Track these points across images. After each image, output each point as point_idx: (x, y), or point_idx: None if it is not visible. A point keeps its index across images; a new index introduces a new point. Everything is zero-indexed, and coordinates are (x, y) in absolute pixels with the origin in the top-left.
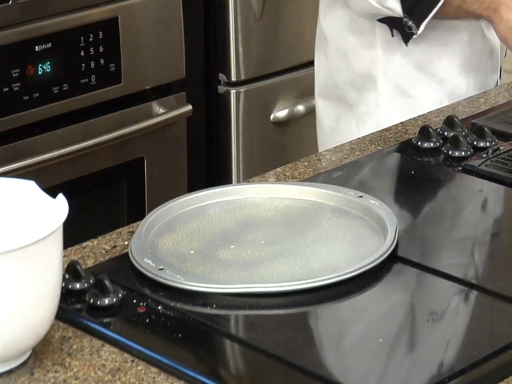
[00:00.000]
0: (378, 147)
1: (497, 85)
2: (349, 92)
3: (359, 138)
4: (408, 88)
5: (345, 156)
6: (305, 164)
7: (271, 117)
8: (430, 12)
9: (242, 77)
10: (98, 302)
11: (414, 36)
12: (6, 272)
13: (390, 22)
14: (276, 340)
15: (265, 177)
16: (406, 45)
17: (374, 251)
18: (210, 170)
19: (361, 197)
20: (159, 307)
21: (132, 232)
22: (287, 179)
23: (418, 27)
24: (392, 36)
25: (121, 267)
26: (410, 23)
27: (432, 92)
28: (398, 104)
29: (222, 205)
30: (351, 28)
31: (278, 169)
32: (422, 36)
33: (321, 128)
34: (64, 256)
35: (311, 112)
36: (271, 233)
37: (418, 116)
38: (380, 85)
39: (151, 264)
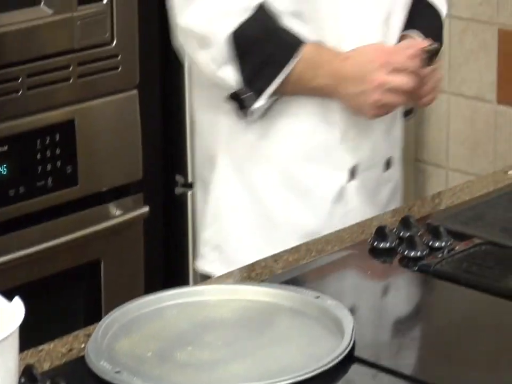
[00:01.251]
0: (335, 247)
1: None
2: (202, 168)
3: (315, 238)
4: (247, 171)
5: (302, 257)
6: (262, 264)
7: None
8: (269, 85)
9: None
10: None
11: (253, 110)
12: None
13: (233, 96)
14: None
15: (222, 279)
16: (246, 120)
17: (331, 351)
18: (167, 271)
19: (318, 297)
20: None
21: (89, 335)
22: (244, 280)
23: (255, 101)
24: (241, 112)
25: (78, 370)
26: (248, 95)
27: (269, 177)
28: (237, 184)
29: (179, 307)
30: (201, 102)
31: (235, 270)
32: (263, 118)
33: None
34: (20, 359)
35: None
36: (228, 334)
37: (373, 217)
38: (221, 163)
39: (108, 367)
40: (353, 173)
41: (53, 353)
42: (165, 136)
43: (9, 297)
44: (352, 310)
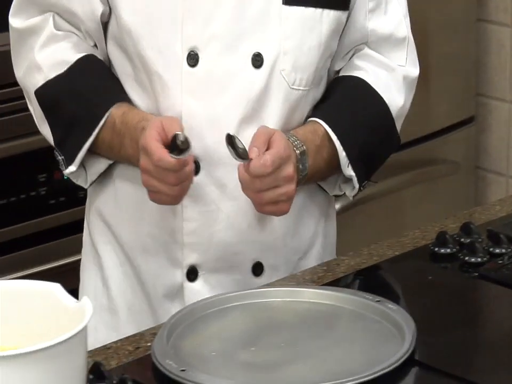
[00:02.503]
0: (396, 252)
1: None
2: None
3: (377, 243)
4: (99, 245)
5: (364, 261)
6: (325, 268)
7: None
8: (78, 151)
9: None
10: None
11: (66, 171)
12: (31, 371)
13: None
14: None
15: (285, 281)
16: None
17: (391, 355)
18: None
19: (379, 301)
20: None
21: (155, 334)
22: (307, 283)
23: (67, 166)
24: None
25: (144, 368)
26: (60, 159)
27: (114, 255)
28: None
29: (243, 308)
30: None
31: (298, 273)
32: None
33: None
34: (88, 356)
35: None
36: (290, 336)
37: (436, 222)
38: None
39: (173, 365)
40: (193, 274)
41: (120, 351)
42: None
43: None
44: (413, 314)
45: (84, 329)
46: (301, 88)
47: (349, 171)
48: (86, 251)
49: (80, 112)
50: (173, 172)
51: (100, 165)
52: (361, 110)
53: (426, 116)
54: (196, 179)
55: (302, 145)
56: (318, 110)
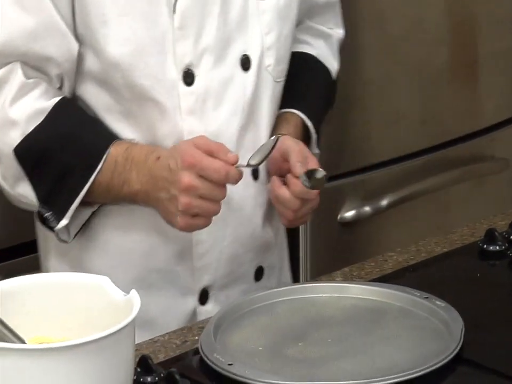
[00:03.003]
0: (444, 249)
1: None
2: None
3: (425, 240)
4: None
5: (411, 257)
6: (372, 264)
7: (339, 217)
8: (72, 202)
9: None
10: None
11: (58, 227)
12: (79, 364)
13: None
14: None
15: (332, 277)
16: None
17: (439, 352)
18: None
19: (427, 298)
20: None
21: (202, 328)
22: (354, 279)
23: (59, 220)
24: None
25: (192, 362)
26: (48, 214)
27: None
28: None
29: (290, 303)
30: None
31: (345, 268)
32: (87, 239)
33: None
34: (136, 350)
35: (377, 213)
36: (338, 331)
37: (484, 219)
38: None
39: (221, 359)
40: (205, 296)
41: (168, 344)
42: None
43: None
44: (461, 312)
45: (132, 322)
46: (282, 79)
47: (315, 150)
48: None
49: (72, 159)
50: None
51: (84, 215)
52: (318, 86)
53: (474, 113)
54: None
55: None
56: (290, 99)
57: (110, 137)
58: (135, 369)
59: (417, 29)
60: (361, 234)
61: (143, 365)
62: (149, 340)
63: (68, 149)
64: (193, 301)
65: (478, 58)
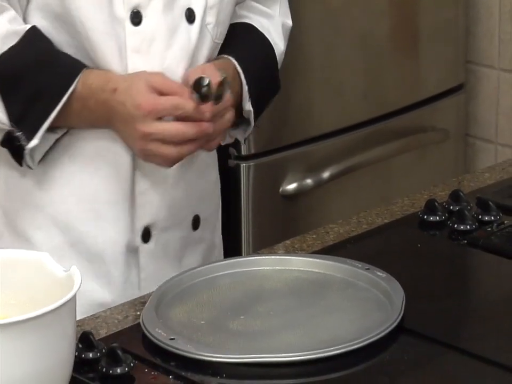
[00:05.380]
0: (385, 220)
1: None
2: None
3: (366, 211)
4: (26, 231)
5: (353, 229)
6: (314, 236)
7: (280, 190)
8: (43, 122)
9: (253, 151)
10: (111, 371)
11: (27, 151)
12: (20, 340)
13: (6, 139)
14: None
15: (274, 249)
16: (23, 166)
17: (381, 323)
18: None
19: (369, 269)
20: (170, 376)
21: (144, 303)
22: (296, 251)
23: (29, 140)
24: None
25: (133, 337)
26: (19, 134)
27: (51, 240)
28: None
29: (232, 276)
30: None
31: (287, 241)
32: (43, 172)
33: None
34: (77, 326)
35: (319, 186)
36: (280, 304)
37: (424, 190)
38: None
39: (163, 334)
40: (147, 235)
41: (109, 320)
42: None
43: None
44: (402, 282)
45: (73, 298)
46: (219, 41)
47: (248, 106)
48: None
49: (46, 81)
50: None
51: (49, 140)
52: (255, 49)
53: (415, 84)
54: None
55: (224, 73)
56: (225, 48)
57: (82, 65)
58: (77, 345)
59: (359, 0)
60: (303, 206)
61: (85, 340)
62: (90, 315)
63: (42, 70)
64: (137, 237)
65: (419, 29)
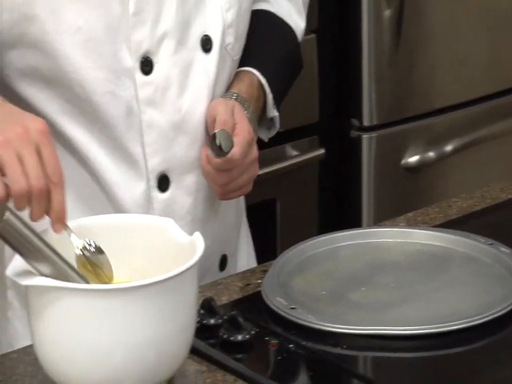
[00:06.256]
0: (509, 195)
1: None
2: None
3: (489, 186)
4: None
5: (476, 203)
6: (436, 210)
7: (402, 162)
8: None
9: (375, 122)
10: (232, 338)
11: None
12: (144, 304)
13: None
14: (404, 382)
15: (396, 222)
16: None
17: (503, 299)
18: (341, 213)
19: (492, 244)
20: (291, 345)
21: (265, 271)
22: (418, 224)
23: None
24: None
25: (254, 304)
26: None
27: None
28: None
29: (353, 248)
30: None
31: (409, 214)
32: None
33: None
34: (199, 292)
35: (441, 159)
36: (401, 277)
37: None
38: (9, 294)
39: (284, 302)
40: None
41: (230, 287)
42: (340, 80)
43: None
44: None
45: (196, 264)
46: (238, 57)
47: (273, 112)
48: None
49: None
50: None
51: None
52: (277, 44)
53: None
54: (167, 195)
55: (250, 106)
56: (245, 58)
57: None
58: (198, 311)
59: None
60: (425, 179)
61: (207, 306)
62: (212, 282)
63: None
64: (153, 184)
65: None
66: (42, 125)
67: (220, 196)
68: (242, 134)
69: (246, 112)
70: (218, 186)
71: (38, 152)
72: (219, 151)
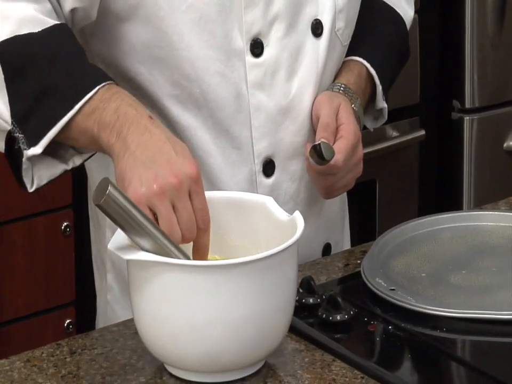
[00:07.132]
0: None
1: None
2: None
3: None
4: None
5: None
6: None
7: (504, 145)
8: (51, 127)
9: (477, 104)
10: (331, 318)
11: (29, 153)
12: (244, 281)
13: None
14: (504, 367)
15: (498, 205)
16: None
17: None
18: (441, 195)
19: None
20: (390, 327)
21: (364, 252)
22: None
23: (30, 146)
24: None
25: (353, 285)
26: (21, 136)
27: None
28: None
29: (453, 230)
30: None
31: (511, 198)
32: None
33: None
34: (298, 271)
35: None
36: (502, 261)
37: None
38: (108, 277)
39: (383, 284)
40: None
41: (329, 267)
42: (443, 61)
43: None
44: None
45: (296, 243)
46: (348, 42)
47: (382, 103)
48: None
49: (61, 79)
50: None
51: (53, 168)
52: (386, 32)
53: None
54: (272, 180)
55: (357, 98)
56: (354, 47)
57: (106, 79)
58: (298, 289)
59: None
60: None
61: (306, 285)
62: (311, 261)
63: (56, 68)
64: (259, 169)
65: None
66: (194, 170)
67: (324, 196)
68: (347, 137)
69: (353, 105)
70: (321, 187)
71: (190, 199)
72: (319, 160)
